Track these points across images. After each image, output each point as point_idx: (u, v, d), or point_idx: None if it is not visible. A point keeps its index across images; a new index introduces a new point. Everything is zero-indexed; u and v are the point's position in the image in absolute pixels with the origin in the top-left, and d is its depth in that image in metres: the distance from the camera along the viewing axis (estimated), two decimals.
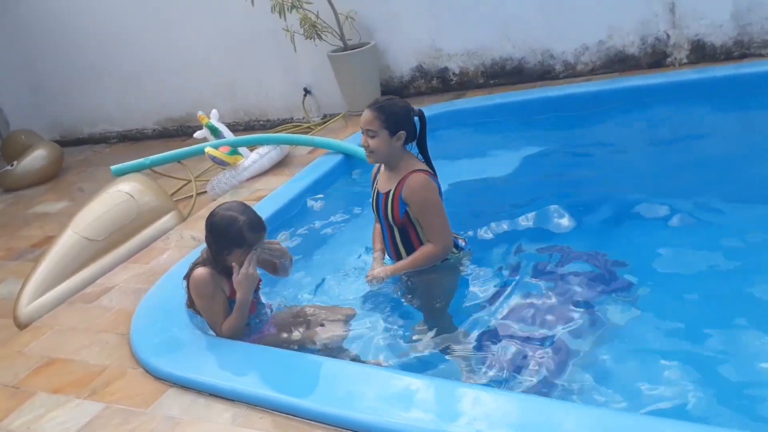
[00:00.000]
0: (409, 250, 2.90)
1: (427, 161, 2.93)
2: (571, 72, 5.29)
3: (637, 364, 2.43)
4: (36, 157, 6.72)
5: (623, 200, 3.62)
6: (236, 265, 2.57)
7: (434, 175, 2.90)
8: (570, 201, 3.74)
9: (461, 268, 2.97)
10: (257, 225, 2.61)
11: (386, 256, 3.06)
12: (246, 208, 2.62)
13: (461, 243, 3.04)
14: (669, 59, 4.96)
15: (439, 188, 2.86)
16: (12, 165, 6.67)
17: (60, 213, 5.60)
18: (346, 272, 3.23)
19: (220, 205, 2.68)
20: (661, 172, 3.89)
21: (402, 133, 2.77)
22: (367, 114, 2.77)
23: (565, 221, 3.51)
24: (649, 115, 4.54)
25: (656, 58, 4.99)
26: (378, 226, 3.12)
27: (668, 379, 2.31)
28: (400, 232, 2.89)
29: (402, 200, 2.80)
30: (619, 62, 5.12)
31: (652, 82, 4.73)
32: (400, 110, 2.79)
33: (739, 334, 2.49)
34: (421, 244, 2.88)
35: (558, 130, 4.73)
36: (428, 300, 2.88)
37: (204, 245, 2.70)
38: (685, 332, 2.55)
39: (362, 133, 2.81)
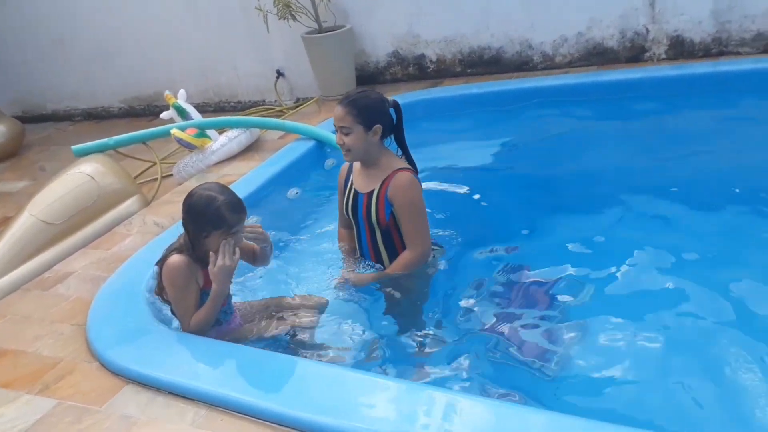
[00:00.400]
0: (392, 253, 2.78)
1: (407, 155, 2.80)
2: (549, 63, 5.22)
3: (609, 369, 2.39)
4: None
5: (595, 196, 3.61)
6: (213, 254, 2.43)
7: (416, 172, 2.77)
8: (541, 196, 3.72)
9: (435, 267, 2.88)
10: (237, 205, 2.47)
11: (362, 258, 2.92)
12: (225, 189, 2.50)
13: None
14: (647, 54, 4.92)
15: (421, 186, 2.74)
16: None
17: (19, 193, 5.38)
18: (317, 264, 3.13)
19: (199, 185, 2.54)
20: (635, 168, 3.86)
21: (378, 127, 2.62)
22: (338, 110, 2.61)
23: (535, 217, 3.47)
24: (626, 110, 4.49)
25: (635, 52, 4.94)
26: (344, 231, 2.98)
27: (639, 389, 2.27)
28: (383, 234, 2.75)
29: (387, 200, 2.66)
30: (597, 55, 5.06)
31: (631, 76, 4.68)
32: (374, 102, 2.63)
33: (715, 331, 2.47)
34: (404, 246, 2.75)
35: (534, 123, 4.66)
36: (402, 297, 2.78)
37: (181, 232, 2.56)
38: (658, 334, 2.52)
39: (336, 131, 2.67)
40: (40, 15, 6.85)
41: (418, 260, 2.74)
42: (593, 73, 4.92)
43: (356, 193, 2.76)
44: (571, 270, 2.90)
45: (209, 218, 2.42)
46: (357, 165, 2.79)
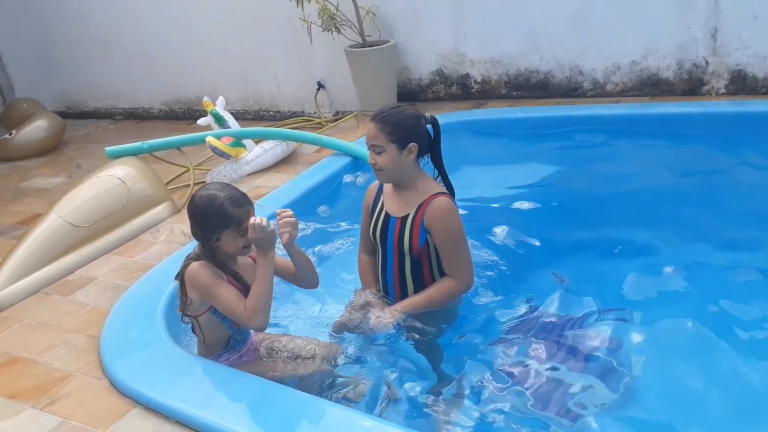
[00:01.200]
0: (418, 284, 2.56)
1: (444, 177, 2.59)
2: (599, 91, 5.01)
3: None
4: (36, 128, 6.47)
5: (637, 236, 3.36)
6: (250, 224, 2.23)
7: (454, 196, 2.57)
8: (579, 231, 3.50)
9: (461, 302, 2.68)
10: (240, 199, 2.31)
11: (381, 291, 2.71)
12: (226, 186, 2.37)
13: None
14: (705, 87, 4.68)
15: None
16: (10, 134, 6.44)
17: (54, 189, 5.36)
18: (344, 294, 2.96)
19: (199, 188, 2.42)
20: (685, 209, 3.61)
21: (413, 146, 2.41)
22: (370, 127, 2.42)
23: (570, 254, 3.27)
24: (679, 146, 4.25)
25: (692, 84, 4.70)
26: (366, 257, 2.75)
27: None
28: (413, 263, 2.54)
29: (423, 227, 2.45)
30: (651, 86, 4.83)
31: (687, 110, 4.44)
32: (409, 119, 2.42)
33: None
34: (432, 277, 2.56)
35: (581, 153, 4.46)
36: (426, 334, 2.57)
37: (195, 241, 2.43)
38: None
39: (368, 149, 2.48)
40: (90, 15, 6.90)
41: (462, 290, 2.54)
42: (646, 104, 4.70)
43: (387, 216, 2.55)
44: (609, 321, 2.69)
45: (215, 217, 2.27)
46: (389, 186, 2.59)
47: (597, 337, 2.60)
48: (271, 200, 3.94)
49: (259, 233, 2.22)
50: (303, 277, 2.50)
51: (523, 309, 2.82)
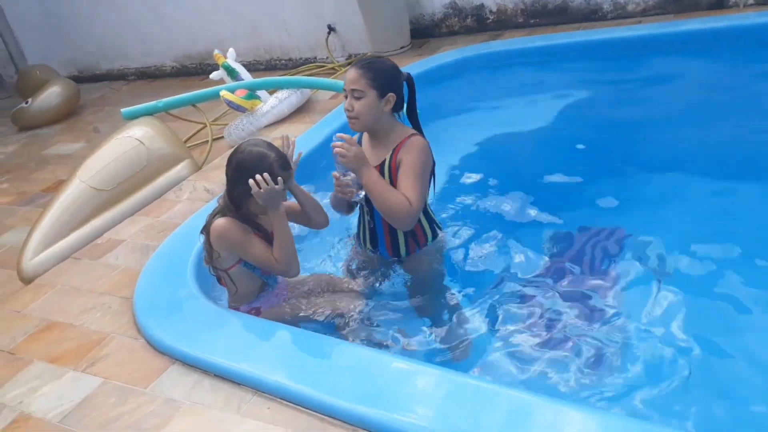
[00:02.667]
0: (412, 236, 2.57)
1: (420, 132, 2.53)
2: (620, 12, 4.80)
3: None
4: (51, 94, 6.46)
5: (668, 171, 3.25)
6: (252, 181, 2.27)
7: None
8: (606, 166, 3.40)
9: (444, 247, 2.72)
10: (286, 162, 2.36)
11: (361, 244, 2.72)
12: (272, 145, 2.38)
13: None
14: (733, 0, 4.45)
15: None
16: (27, 102, 6.43)
17: (75, 155, 5.38)
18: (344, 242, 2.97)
19: (245, 141, 2.41)
20: (716, 136, 3.46)
21: (391, 96, 2.39)
22: (352, 72, 2.37)
23: (593, 190, 3.18)
24: (707, 65, 4.09)
25: None
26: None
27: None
28: None
29: (399, 165, 2.41)
30: (674, 2, 4.62)
31: (713, 25, 4.24)
32: (390, 69, 2.41)
33: None
34: (421, 224, 2.59)
35: (603, 79, 4.33)
36: (427, 284, 2.62)
37: (218, 196, 2.43)
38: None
39: (346, 96, 2.40)
40: None
41: (407, 211, 2.36)
42: (670, 22, 4.49)
43: None
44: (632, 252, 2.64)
45: (255, 170, 2.28)
46: (366, 140, 2.54)
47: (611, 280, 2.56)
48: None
49: (268, 191, 2.25)
50: (310, 215, 2.53)
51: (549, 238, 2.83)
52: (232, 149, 2.41)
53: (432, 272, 2.67)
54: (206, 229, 2.42)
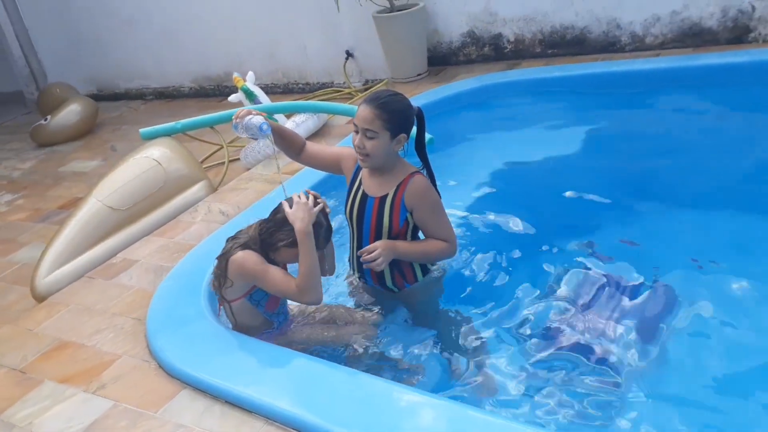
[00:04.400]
0: (394, 264, 2.50)
1: (427, 167, 2.53)
2: (639, 45, 4.81)
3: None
4: (70, 112, 6.52)
5: (683, 201, 3.23)
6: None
7: (434, 184, 2.52)
8: (622, 196, 3.36)
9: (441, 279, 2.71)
10: (331, 233, 2.48)
11: (352, 268, 2.70)
12: (325, 215, 2.39)
13: None
14: (752, 35, 4.45)
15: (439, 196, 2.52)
16: (46, 119, 6.50)
17: (91, 173, 5.42)
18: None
19: (286, 200, 2.36)
20: (734, 168, 3.43)
21: (403, 136, 2.38)
22: (366, 111, 2.33)
23: (612, 220, 3.16)
24: (726, 99, 4.07)
25: (737, 33, 4.48)
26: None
27: None
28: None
29: (404, 207, 2.43)
30: (693, 36, 4.63)
31: (732, 60, 4.24)
32: (404, 110, 2.39)
33: None
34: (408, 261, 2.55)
35: (621, 111, 4.31)
36: (428, 317, 2.62)
37: (235, 224, 2.43)
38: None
39: (356, 131, 2.38)
40: None
41: (451, 252, 2.53)
42: (689, 56, 4.50)
43: (365, 195, 2.50)
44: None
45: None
46: (365, 170, 2.53)
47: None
48: (305, 175, 3.90)
49: (302, 211, 2.24)
50: (325, 264, 2.54)
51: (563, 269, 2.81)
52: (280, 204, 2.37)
53: (429, 305, 2.64)
54: (225, 258, 2.38)
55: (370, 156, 2.38)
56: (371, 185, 2.49)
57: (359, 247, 2.53)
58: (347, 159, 2.61)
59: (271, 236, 2.34)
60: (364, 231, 2.52)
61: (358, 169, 2.56)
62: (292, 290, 2.30)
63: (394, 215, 2.44)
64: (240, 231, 2.46)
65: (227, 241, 2.45)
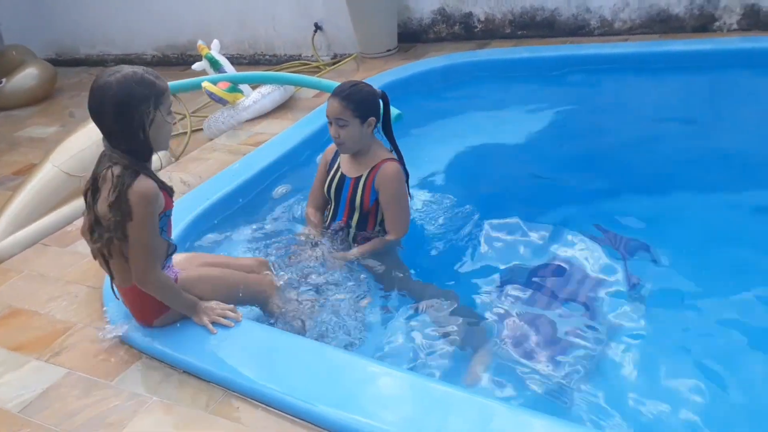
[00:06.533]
0: (361, 230, 2.80)
1: (394, 146, 2.83)
2: (607, 29, 4.85)
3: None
4: (27, 76, 6.31)
5: (645, 185, 3.27)
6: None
7: (402, 162, 2.80)
8: (585, 179, 3.40)
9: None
10: (153, 71, 2.12)
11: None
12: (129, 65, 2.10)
13: None
14: (717, 23, 4.53)
15: (407, 174, 2.79)
16: (1, 82, 6.27)
17: (48, 139, 5.25)
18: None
19: (99, 75, 2.09)
20: (693, 152, 3.51)
21: (372, 119, 2.67)
22: (334, 104, 2.63)
23: (574, 205, 3.19)
24: (689, 85, 4.14)
25: (703, 21, 4.55)
26: (313, 210, 2.94)
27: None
28: (361, 216, 2.79)
29: (374, 188, 2.72)
30: (660, 22, 4.68)
31: (697, 47, 4.30)
32: (368, 95, 2.68)
33: None
34: (374, 227, 2.80)
35: (587, 94, 4.35)
36: (385, 269, 2.73)
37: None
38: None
39: (330, 123, 2.66)
40: None
41: (396, 241, 2.80)
42: (655, 42, 4.55)
43: (343, 176, 2.80)
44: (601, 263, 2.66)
45: (146, 92, 2.00)
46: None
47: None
48: (271, 147, 3.85)
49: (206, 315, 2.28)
50: None
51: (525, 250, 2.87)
52: (93, 88, 2.07)
53: (388, 268, 2.75)
54: (121, 188, 2.02)
55: (345, 143, 2.67)
56: (349, 167, 2.78)
57: (333, 216, 2.86)
58: (326, 154, 2.91)
59: (135, 128, 2.04)
60: (340, 206, 2.82)
61: (336, 154, 2.84)
62: (151, 267, 2.12)
63: (365, 195, 2.73)
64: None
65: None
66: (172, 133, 2.25)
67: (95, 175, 2.13)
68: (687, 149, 3.53)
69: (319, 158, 3.04)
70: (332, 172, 2.83)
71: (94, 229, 2.14)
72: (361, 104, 2.62)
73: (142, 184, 2.05)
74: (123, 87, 2.01)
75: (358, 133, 2.64)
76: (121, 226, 2.05)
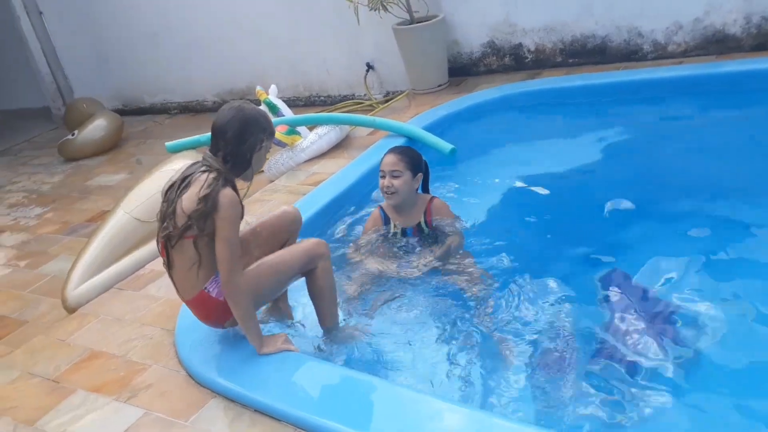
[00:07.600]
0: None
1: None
2: (661, 53, 4.80)
3: None
4: (96, 127, 6.64)
5: (714, 213, 3.17)
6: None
7: None
8: (650, 206, 3.33)
9: None
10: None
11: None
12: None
13: None
14: None
15: None
16: (73, 134, 6.63)
17: (117, 186, 5.51)
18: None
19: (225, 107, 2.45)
20: (760, 177, 3.40)
21: (420, 175, 3.05)
22: (391, 157, 2.99)
23: (638, 230, 3.13)
24: (751, 107, 4.03)
25: (761, 39, 4.45)
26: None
27: None
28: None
29: (434, 224, 3.08)
30: (716, 43, 4.60)
31: (756, 67, 4.20)
32: (419, 156, 3.08)
33: None
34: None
35: (643, 120, 4.29)
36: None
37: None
38: None
39: (383, 176, 2.98)
40: (134, 9, 7.00)
41: (462, 240, 3.09)
42: (712, 63, 4.47)
43: (403, 229, 3.11)
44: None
45: (265, 126, 2.40)
46: (391, 211, 3.12)
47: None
48: (328, 186, 3.94)
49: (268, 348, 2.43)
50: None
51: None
52: (221, 114, 2.39)
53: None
54: (210, 197, 2.26)
55: (397, 192, 2.99)
56: (404, 220, 3.10)
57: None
58: (374, 222, 3.16)
59: (245, 149, 2.37)
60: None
61: (386, 219, 3.11)
62: (237, 270, 2.30)
63: (430, 229, 3.10)
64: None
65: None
66: None
67: (186, 175, 2.38)
68: (753, 172, 3.42)
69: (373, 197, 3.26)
70: (391, 231, 3.10)
71: (165, 219, 2.38)
72: (413, 160, 3.01)
73: (231, 191, 2.34)
74: (252, 114, 2.40)
75: (408, 185, 2.98)
76: (205, 217, 2.27)
